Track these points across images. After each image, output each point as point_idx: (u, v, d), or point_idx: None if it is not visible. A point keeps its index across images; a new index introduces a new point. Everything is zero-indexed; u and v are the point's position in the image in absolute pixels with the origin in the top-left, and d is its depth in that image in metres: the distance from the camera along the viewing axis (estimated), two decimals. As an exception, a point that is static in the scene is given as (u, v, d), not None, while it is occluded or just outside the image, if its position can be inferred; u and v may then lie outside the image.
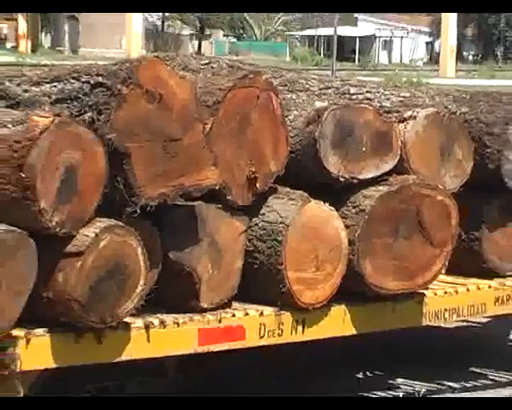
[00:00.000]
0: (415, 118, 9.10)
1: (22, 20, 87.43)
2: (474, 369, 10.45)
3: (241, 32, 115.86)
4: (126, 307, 7.68)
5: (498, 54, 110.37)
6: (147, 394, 6.26)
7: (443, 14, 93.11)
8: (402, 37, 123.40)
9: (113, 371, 8.22)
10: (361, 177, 8.81)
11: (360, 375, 9.95)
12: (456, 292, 9.50)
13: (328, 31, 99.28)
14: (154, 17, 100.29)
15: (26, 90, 8.09)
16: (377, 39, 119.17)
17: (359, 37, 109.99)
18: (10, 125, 7.36)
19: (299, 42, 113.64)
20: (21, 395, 7.70)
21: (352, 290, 8.78)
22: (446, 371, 10.13)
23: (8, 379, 7.46)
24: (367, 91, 9.73)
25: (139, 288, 7.68)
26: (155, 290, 7.90)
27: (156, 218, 7.90)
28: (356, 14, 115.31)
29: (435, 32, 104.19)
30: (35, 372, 7.64)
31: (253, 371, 9.55)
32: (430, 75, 68.83)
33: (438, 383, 9.86)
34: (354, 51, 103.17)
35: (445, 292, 9.39)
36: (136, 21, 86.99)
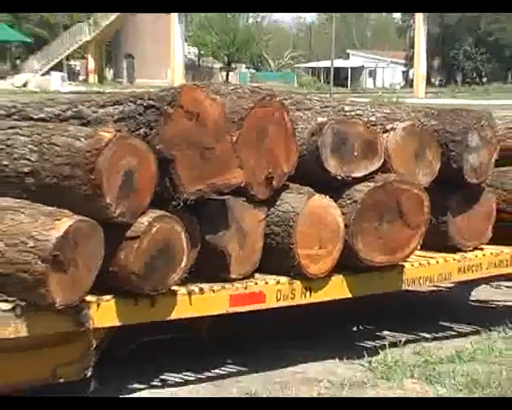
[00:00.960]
0: (394, 129, 9.16)
1: (91, 59, 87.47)
2: (443, 323, 10.43)
3: (259, 65, 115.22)
4: (173, 279, 7.80)
5: (458, 80, 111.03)
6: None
7: (415, 48, 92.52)
8: (383, 67, 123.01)
9: (163, 327, 8.29)
10: (354, 175, 8.84)
11: (355, 328, 9.93)
12: (429, 264, 9.53)
13: (327, 63, 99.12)
14: (192, 54, 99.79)
15: (94, 112, 8.17)
16: (364, 69, 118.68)
17: (351, 67, 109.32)
18: (83, 139, 7.49)
19: (304, 72, 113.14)
20: (94, 346, 7.78)
21: (348, 263, 8.86)
22: (421, 324, 10.13)
23: (85, 335, 7.61)
24: (357, 109, 9.72)
25: (183, 263, 7.80)
26: (195, 265, 7.98)
27: (195, 209, 7.96)
28: (348, 50, 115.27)
29: (409, 63, 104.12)
30: (103, 329, 7.76)
31: (269, 327, 9.52)
32: (406, 96, 68.57)
33: (415, 334, 9.87)
34: (347, 79, 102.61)
35: (420, 264, 9.47)
36: (178, 57, 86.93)
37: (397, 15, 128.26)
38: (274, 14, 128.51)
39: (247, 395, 8.07)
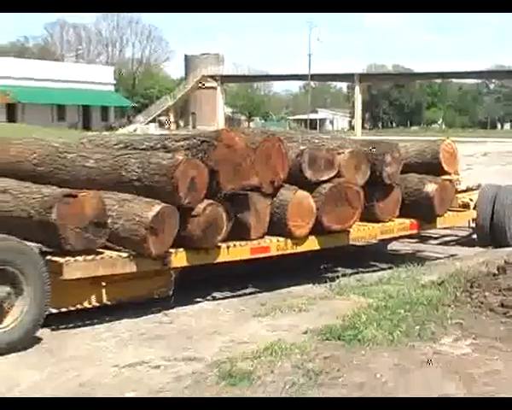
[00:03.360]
0: (344, 153, 9.20)
1: (171, 115, 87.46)
2: (371, 262, 10.36)
3: (266, 117, 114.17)
4: (218, 239, 7.84)
5: (379, 125, 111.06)
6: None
7: (355, 107, 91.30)
8: (337, 118, 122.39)
9: (208, 270, 8.27)
10: (321, 179, 8.82)
11: (322, 266, 9.54)
12: (363, 229, 9.46)
13: (305, 116, 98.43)
14: (228, 112, 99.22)
15: (173, 144, 8.26)
16: (327, 119, 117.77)
17: (319, 119, 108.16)
18: (167, 160, 7.63)
19: (292, 121, 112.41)
20: (173, 277, 7.83)
21: (318, 230, 8.81)
22: (360, 264, 10.11)
23: (168, 271, 7.73)
24: (323, 141, 9.70)
25: (223, 230, 7.84)
26: (230, 231, 7.94)
27: (230, 199, 7.96)
28: (317, 108, 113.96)
29: (351, 116, 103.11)
30: (178, 268, 7.79)
31: (272, 268, 9.17)
32: (350, 135, 67.57)
33: (356, 269, 9.82)
34: (316, 125, 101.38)
35: (358, 229, 9.35)
36: (220, 114, 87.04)
37: (344, 88, 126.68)
38: (275, 88, 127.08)
39: (262, 304, 8.04)
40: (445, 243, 12.09)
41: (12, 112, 65.67)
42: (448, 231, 12.26)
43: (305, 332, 6.84)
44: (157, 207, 7.34)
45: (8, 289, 6.38)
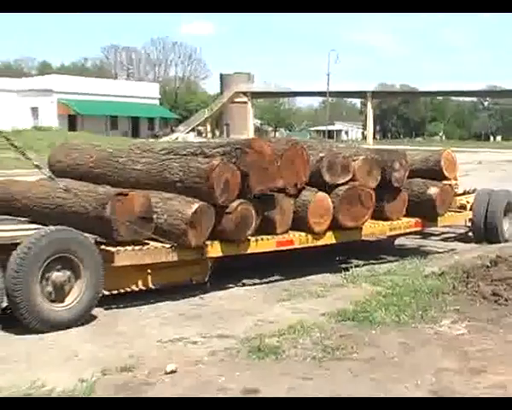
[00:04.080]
0: (358, 159, 9.08)
1: (208, 126, 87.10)
2: (381, 255, 10.14)
3: (290, 128, 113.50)
4: (248, 233, 7.79)
5: (388, 136, 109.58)
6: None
7: (367, 120, 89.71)
8: (352, 130, 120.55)
9: (240, 259, 8.12)
10: (338, 182, 8.74)
11: (337, 258, 9.64)
12: (375, 226, 9.35)
13: (324, 128, 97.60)
14: (257, 123, 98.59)
15: (210, 151, 8.14)
16: (342, 131, 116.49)
17: (335, 130, 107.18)
18: (203, 164, 7.60)
19: (312, 132, 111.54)
20: (209, 266, 7.74)
21: (335, 226, 8.71)
22: (371, 256, 9.90)
23: (205, 260, 7.69)
24: (340, 149, 9.49)
25: (253, 225, 7.81)
26: (259, 226, 7.90)
27: (259, 199, 7.88)
28: (334, 121, 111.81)
29: (364, 128, 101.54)
30: (213, 258, 7.74)
31: (294, 258, 8.96)
32: (363, 144, 67.32)
33: (367, 261, 9.60)
34: (333, 135, 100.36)
35: (370, 226, 9.24)
36: (250, 125, 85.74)
37: (358, 104, 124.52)
38: (298, 103, 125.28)
39: (285, 290, 7.99)
40: (445, 239, 11.96)
41: (73, 122, 66.25)
42: (447, 229, 12.15)
43: (323, 314, 6.86)
44: (196, 205, 7.35)
45: (68, 273, 6.44)
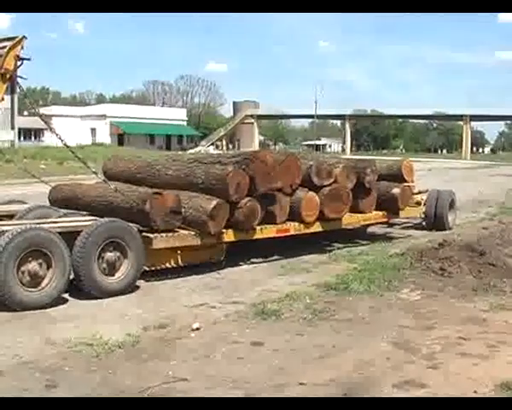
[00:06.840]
0: (339, 166, 8.92)
1: (224, 141, 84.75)
2: (356, 240, 9.79)
3: (286, 142, 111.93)
4: (255, 223, 7.67)
5: (361, 149, 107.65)
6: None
7: (346, 136, 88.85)
8: (334, 144, 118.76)
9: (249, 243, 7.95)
10: (323, 184, 8.58)
11: (324, 242, 9.24)
12: (352, 218, 9.17)
13: (312, 142, 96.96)
14: (262, 139, 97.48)
15: (225, 160, 7.98)
16: (327, 144, 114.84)
17: (322, 144, 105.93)
18: (220, 170, 7.50)
19: (304, 145, 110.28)
20: (224, 248, 7.56)
21: (321, 218, 8.54)
22: (349, 241, 9.62)
23: (221, 244, 7.54)
24: (325, 159, 9.22)
25: (258, 218, 7.70)
26: (262, 218, 7.77)
27: (263, 197, 7.75)
28: (321, 137, 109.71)
29: (343, 142, 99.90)
30: (228, 242, 7.59)
31: (289, 243, 8.71)
32: (342, 155, 65.82)
33: (346, 244, 9.40)
34: (320, 148, 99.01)
35: (348, 217, 9.01)
36: (256, 140, 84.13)
37: (338, 124, 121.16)
38: (292, 123, 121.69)
39: (282, 267, 7.82)
40: (405, 228, 11.80)
41: (121, 139, 66.47)
42: (406, 220, 12.05)
43: (312, 285, 6.81)
44: (214, 201, 7.28)
45: (118, 254, 6.41)
